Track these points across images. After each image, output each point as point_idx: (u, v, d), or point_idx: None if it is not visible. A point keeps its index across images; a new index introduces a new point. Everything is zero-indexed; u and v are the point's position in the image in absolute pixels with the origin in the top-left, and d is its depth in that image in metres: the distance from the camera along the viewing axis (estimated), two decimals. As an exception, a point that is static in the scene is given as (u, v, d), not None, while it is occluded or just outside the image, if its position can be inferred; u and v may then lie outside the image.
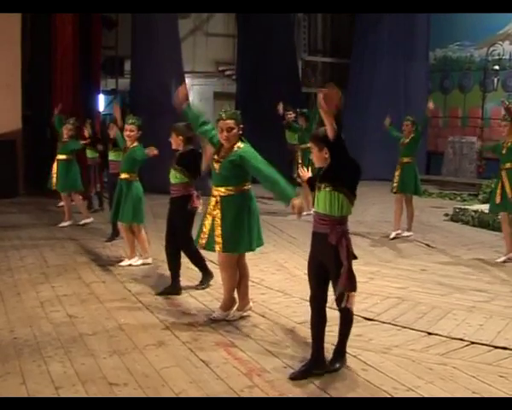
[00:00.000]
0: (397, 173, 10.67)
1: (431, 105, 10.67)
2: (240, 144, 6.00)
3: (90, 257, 9.01)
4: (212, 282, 7.47)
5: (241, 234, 5.99)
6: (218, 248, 6.03)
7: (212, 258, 7.33)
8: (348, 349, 5.51)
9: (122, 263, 8.52)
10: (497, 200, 8.96)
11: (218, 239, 5.98)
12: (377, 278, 8.02)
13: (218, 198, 6.00)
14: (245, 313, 6.40)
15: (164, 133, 13.93)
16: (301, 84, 19.82)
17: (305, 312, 6.44)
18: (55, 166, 11.41)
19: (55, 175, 11.34)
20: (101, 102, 18.55)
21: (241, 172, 5.95)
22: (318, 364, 5.07)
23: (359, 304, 6.88)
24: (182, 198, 7.27)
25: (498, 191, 8.92)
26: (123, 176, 8.39)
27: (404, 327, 6.19)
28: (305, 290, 7.32)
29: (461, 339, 5.83)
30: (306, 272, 5.18)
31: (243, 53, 18.81)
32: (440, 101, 19.61)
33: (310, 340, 5.67)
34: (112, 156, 10.32)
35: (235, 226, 5.96)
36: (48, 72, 15.30)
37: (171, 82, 15.72)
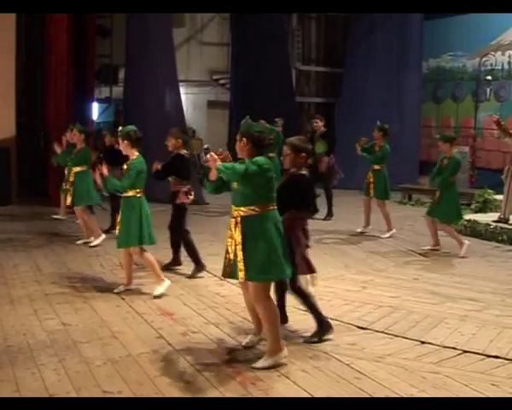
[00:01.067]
0: (371, 180, 11.27)
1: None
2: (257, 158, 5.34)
3: (84, 265, 9.01)
4: (204, 291, 7.48)
5: (267, 259, 5.25)
6: (241, 275, 5.31)
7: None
8: (341, 357, 5.56)
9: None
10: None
11: (241, 266, 5.28)
12: (370, 287, 8.04)
13: (239, 219, 5.33)
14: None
15: (157, 142, 13.97)
16: (295, 93, 19.87)
17: (298, 320, 6.49)
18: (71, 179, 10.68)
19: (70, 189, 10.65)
20: (96, 110, 18.55)
21: (263, 190, 5.32)
22: (325, 328, 5.98)
23: (352, 313, 6.93)
24: (173, 194, 8.33)
25: None
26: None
27: (397, 336, 6.21)
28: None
29: (453, 348, 5.86)
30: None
31: (237, 62, 18.87)
32: (433, 110, 19.71)
33: (304, 348, 5.72)
34: None
35: (258, 250, 5.26)
36: (42, 80, 15.30)
37: (165, 90, 15.79)
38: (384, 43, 19.17)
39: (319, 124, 13.68)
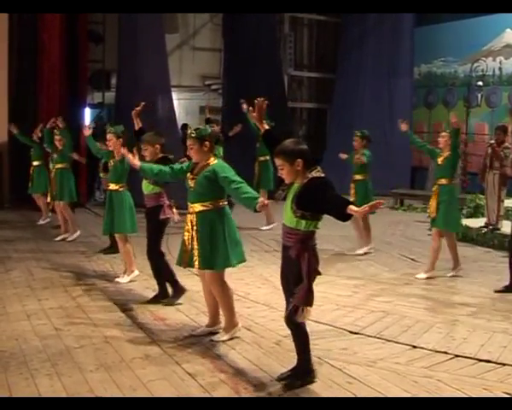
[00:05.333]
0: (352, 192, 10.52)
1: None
2: (213, 160, 6.00)
3: (76, 270, 9.01)
4: (197, 297, 7.49)
5: (217, 250, 5.88)
6: (196, 264, 5.97)
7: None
8: (333, 362, 5.58)
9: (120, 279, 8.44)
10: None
11: (196, 255, 5.93)
12: (361, 292, 8.07)
13: (194, 215, 5.95)
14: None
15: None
16: (287, 98, 19.91)
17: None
18: (52, 176, 11.57)
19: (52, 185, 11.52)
20: (88, 115, 18.52)
21: (216, 187, 5.88)
22: (304, 374, 5.12)
23: (344, 317, 6.95)
24: (154, 209, 7.37)
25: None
26: (112, 187, 8.45)
27: (389, 340, 6.24)
28: (291, 304, 7.35)
29: (445, 352, 5.89)
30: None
31: (229, 67, 18.88)
32: (425, 116, 19.77)
33: (296, 353, 5.71)
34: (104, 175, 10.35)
35: (211, 242, 5.88)
36: (34, 85, 15.30)
37: (158, 96, 15.80)
38: (376, 48, 19.25)
39: (215, 128, 13.60)
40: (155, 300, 7.44)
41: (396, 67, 19.11)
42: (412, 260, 10.06)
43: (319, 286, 8.06)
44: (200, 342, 6.11)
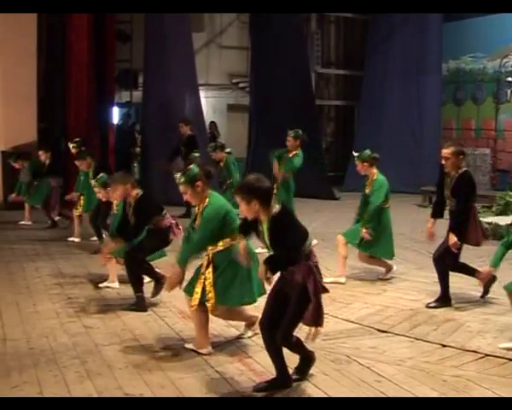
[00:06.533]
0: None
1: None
2: (207, 200, 5.67)
3: (105, 269, 9.05)
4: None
5: (232, 286, 5.60)
6: (209, 305, 5.62)
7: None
8: (362, 361, 5.55)
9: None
10: None
11: (210, 295, 5.58)
12: (390, 290, 8.03)
13: (210, 255, 5.65)
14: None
15: (174, 145, 14.02)
16: (314, 96, 19.87)
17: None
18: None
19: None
20: (116, 114, 18.67)
21: (216, 231, 5.60)
22: (283, 384, 4.98)
23: (373, 316, 6.91)
24: (162, 230, 7.23)
25: None
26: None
27: (418, 339, 6.19)
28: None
29: (475, 351, 5.83)
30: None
31: (256, 65, 18.88)
32: (453, 112, 19.60)
33: (324, 352, 5.70)
34: None
35: (224, 279, 5.60)
36: (63, 85, 15.43)
37: (185, 94, 15.87)
38: (403, 45, 19.10)
39: (184, 128, 13.49)
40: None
41: (424, 64, 18.94)
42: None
43: (347, 284, 8.12)
44: (230, 340, 6.12)
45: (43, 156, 12.58)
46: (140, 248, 7.18)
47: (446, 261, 7.33)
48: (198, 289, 5.63)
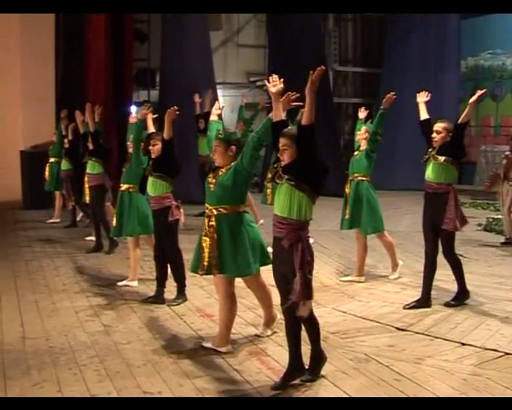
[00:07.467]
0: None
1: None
2: (232, 165, 5.60)
3: (124, 267, 9.08)
4: (244, 293, 7.47)
5: (238, 255, 5.55)
6: (214, 270, 5.61)
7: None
8: (380, 359, 5.53)
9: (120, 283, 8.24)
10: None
11: (215, 261, 5.57)
12: (409, 289, 7.98)
13: (213, 217, 5.57)
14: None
15: (191, 145, 14.00)
16: (332, 94, 19.81)
17: (337, 322, 6.49)
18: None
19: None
20: (133, 113, 18.72)
21: (237, 191, 5.57)
22: (296, 372, 5.02)
23: (392, 314, 6.89)
24: (161, 211, 7.25)
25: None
26: (124, 187, 8.18)
27: (437, 337, 6.16)
28: (338, 301, 7.37)
29: (495, 350, 5.79)
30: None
31: (274, 64, 18.85)
32: (472, 110, 19.44)
33: (343, 350, 5.69)
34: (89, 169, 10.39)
35: (231, 247, 5.54)
36: (81, 85, 15.52)
37: (202, 93, 15.88)
38: (421, 42, 19.03)
39: (203, 125, 13.03)
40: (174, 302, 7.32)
41: (442, 61, 18.84)
42: (460, 255, 9.88)
43: (366, 282, 8.10)
44: (248, 338, 6.12)
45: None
46: (164, 242, 7.35)
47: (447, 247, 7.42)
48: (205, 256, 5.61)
